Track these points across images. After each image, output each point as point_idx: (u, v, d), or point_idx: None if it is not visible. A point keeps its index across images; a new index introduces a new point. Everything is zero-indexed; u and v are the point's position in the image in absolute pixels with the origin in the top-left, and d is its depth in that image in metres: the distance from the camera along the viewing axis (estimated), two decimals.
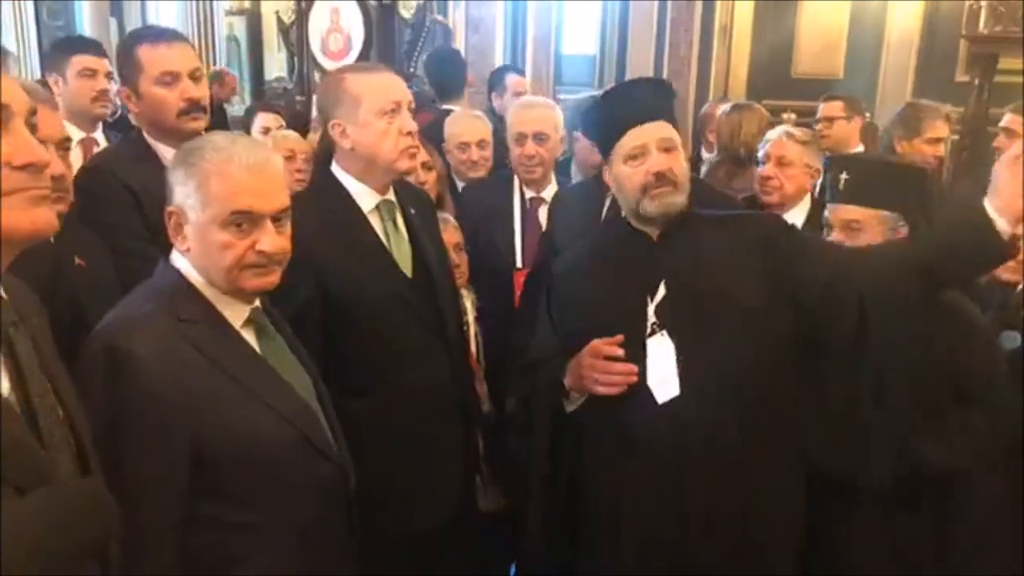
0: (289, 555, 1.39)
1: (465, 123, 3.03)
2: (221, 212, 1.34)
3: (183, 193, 1.36)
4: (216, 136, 1.43)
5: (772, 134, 2.71)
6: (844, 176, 1.90)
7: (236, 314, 1.41)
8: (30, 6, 8.63)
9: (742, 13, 7.39)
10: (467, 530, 2.11)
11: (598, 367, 1.66)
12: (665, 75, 7.45)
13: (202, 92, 2.06)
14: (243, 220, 1.35)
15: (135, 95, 2.04)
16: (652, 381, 1.66)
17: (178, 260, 1.41)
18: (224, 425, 1.32)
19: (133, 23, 9.12)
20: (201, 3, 7.85)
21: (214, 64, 7.71)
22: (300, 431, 1.40)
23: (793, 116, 6.52)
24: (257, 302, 1.46)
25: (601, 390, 1.67)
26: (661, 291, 1.71)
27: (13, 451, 0.91)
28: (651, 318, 1.70)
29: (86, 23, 9.20)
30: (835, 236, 1.92)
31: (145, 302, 1.36)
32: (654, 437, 1.66)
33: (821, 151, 2.73)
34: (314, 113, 4.24)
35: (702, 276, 1.70)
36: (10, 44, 6.56)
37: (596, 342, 1.68)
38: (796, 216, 2.59)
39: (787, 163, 2.58)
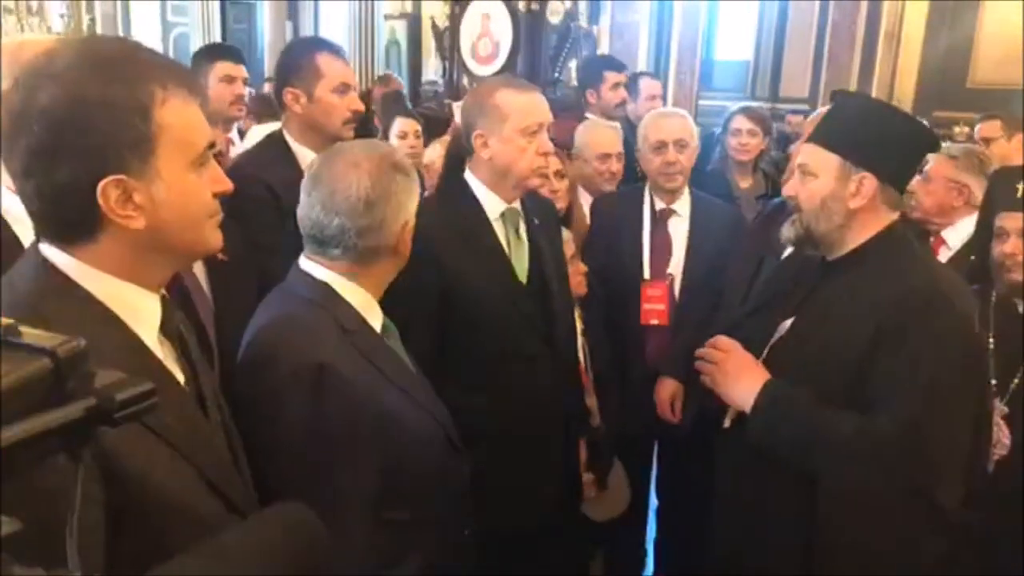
0: (435, 551, 1.44)
1: (604, 134, 3.00)
2: (411, 220, 1.44)
3: (403, 217, 1.41)
4: (377, 147, 1.49)
5: None
6: (1022, 185, 1.91)
7: (375, 319, 1.46)
8: (216, 9, 9.50)
9: (913, 17, 6.90)
10: (563, 536, 2.14)
11: None
12: (823, 84, 7.10)
13: (362, 105, 2.26)
14: None
15: (307, 97, 2.18)
16: None
17: (310, 267, 1.41)
18: (401, 430, 1.38)
19: (307, 26, 9.84)
20: (365, 7, 8.31)
21: (375, 66, 8.14)
22: (444, 429, 1.49)
23: (966, 129, 5.98)
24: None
25: None
26: None
27: (204, 446, 0.99)
28: None
29: (266, 26, 10.00)
30: (1011, 243, 1.95)
31: (307, 312, 1.36)
32: None
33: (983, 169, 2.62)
34: (456, 119, 4.39)
35: None
36: (198, 45, 7.23)
37: None
38: (961, 232, 2.55)
39: (928, 178, 2.60)
